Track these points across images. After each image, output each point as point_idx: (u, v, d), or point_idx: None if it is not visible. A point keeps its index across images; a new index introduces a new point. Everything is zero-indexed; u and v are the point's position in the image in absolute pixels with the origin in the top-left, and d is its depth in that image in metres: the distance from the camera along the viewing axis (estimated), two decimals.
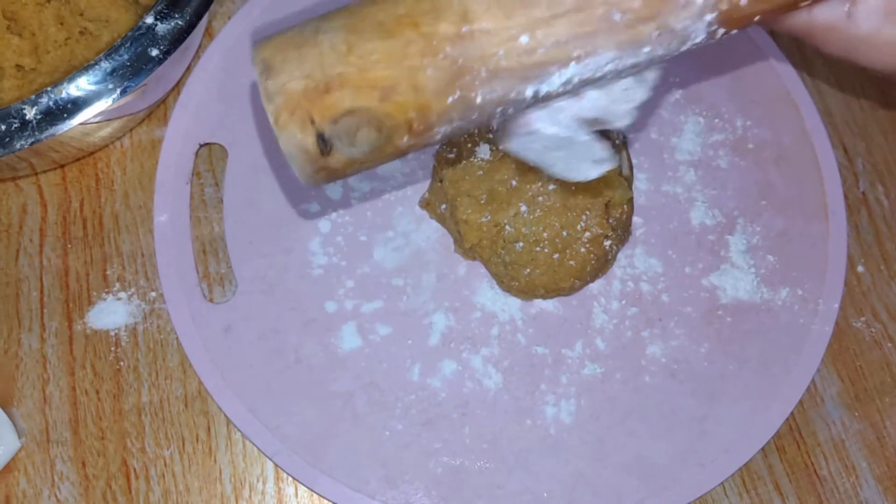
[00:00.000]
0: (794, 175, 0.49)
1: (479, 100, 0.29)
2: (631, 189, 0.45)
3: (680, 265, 0.47)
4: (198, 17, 0.40)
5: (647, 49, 0.29)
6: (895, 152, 0.52)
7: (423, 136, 0.29)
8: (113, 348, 0.44)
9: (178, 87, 0.48)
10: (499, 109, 0.29)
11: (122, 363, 0.44)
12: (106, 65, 0.39)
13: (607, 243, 0.44)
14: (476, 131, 0.44)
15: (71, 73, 0.42)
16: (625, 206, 0.45)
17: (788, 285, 0.47)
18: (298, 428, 0.42)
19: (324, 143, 0.28)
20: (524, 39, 0.28)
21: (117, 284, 0.45)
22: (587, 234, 0.43)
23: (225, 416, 0.43)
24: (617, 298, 0.46)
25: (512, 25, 0.28)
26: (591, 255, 0.43)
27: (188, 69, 0.48)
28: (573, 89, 0.30)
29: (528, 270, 0.43)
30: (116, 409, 0.43)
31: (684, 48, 0.30)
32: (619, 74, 0.30)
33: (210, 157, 0.48)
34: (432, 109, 0.28)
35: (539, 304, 0.45)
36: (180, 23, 0.40)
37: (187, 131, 0.47)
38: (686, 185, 0.48)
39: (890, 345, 0.47)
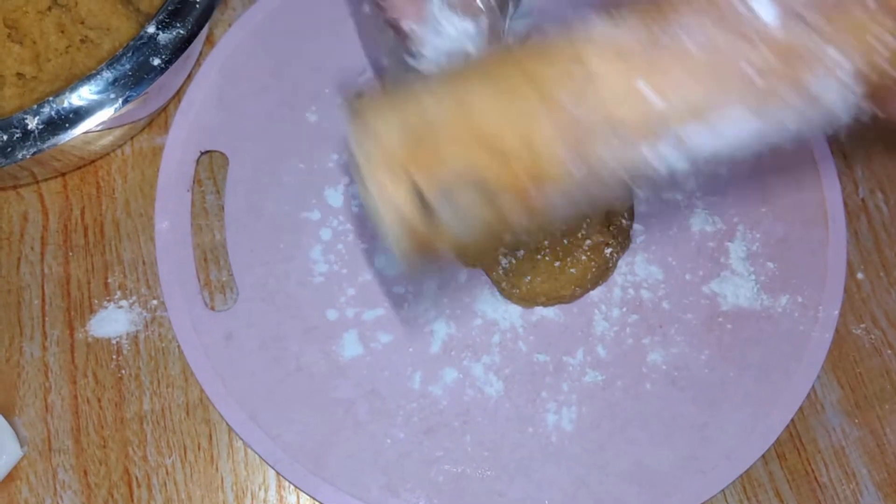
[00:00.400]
0: (794, 182, 0.49)
1: (599, 162, 0.25)
2: (631, 196, 0.45)
3: (680, 272, 0.47)
4: (199, 26, 0.40)
5: (780, 113, 0.25)
6: (894, 159, 0.52)
7: (533, 205, 0.26)
8: (114, 356, 0.44)
9: (178, 94, 0.49)
10: (620, 170, 0.26)
11: (123, 371, 0.44)
12: (108, 74, 0.39)
13: (608, 251, 0.44)
14: None
15: (72, 82, 0.42)
16: (625, 214, 0.45)
17: (788, 292, 0.47)
18: (300, 436, 0.42)
19: (423, 207, 0.25)
20: (649, 95, 0.25)
21: (118, 292, 0.45)
22: (588, 241, 0.43)
23: (226, 423, 0.43)
24: (617, 306, 0.46)
25: (635, 79, 0.25)
26: (592, 263, 0.43)
27: (189, 77, 0.48)
28: (699, 157, 0.26)
29: (529, 278, 0.43)
30: (118, 418, 0.43)
31: (826, 123, 0.26)
32: (749, 143, 0.26)
33: (211, 165, 0.48)
34: (547, 172, 0.25)
35: (540, 311, 0.45)
36: (182, 32, 0.40)
37: (188, 139, 0.47)
38: (686, 192, 0.49)
39: (889, 351, 0.47)
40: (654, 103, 0.25)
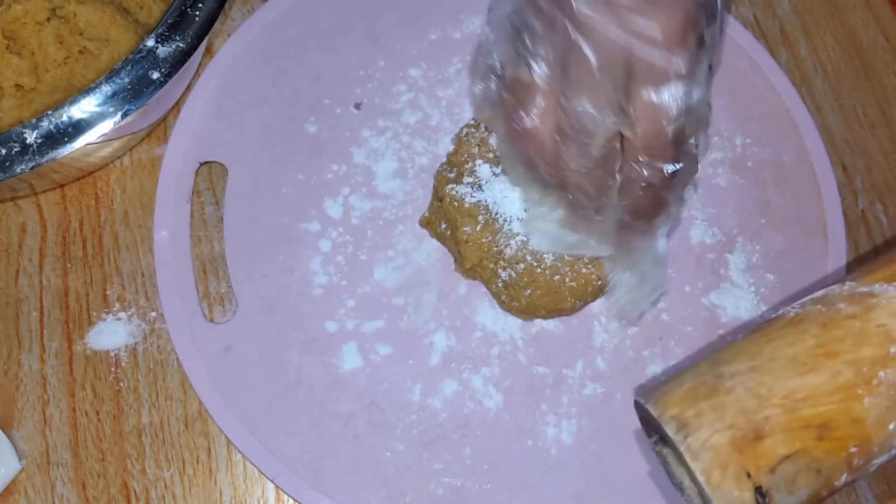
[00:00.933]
0: (794, 193, 0.49)
1: None
2: None
3: (680, 284, 0.47)
4: (199, 39, 0.40)
5: None
6: (894, 170, 0.52)
7: (860, 471, 0.27)
8: (113, 369, 0.44)
9: (177, 105, 0.48)
10: None
11: (122, 384, 0.44)
12: (107, 88, 0.39)
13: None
14: (476, 150, 0.44)
15: (70, 93, 0.42)
16: None
17: (788, 304, 0.47)
18: (299, 449, 0.42)
19: (762, 497, 0.26)
20: None
21: (117, 304, 0.45)
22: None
23: (225, 437, 0.43)
24: (617, 318, 0.46)
25: None
26: (593, 276, 0.43)
27: (188, 87, 0.48)
28: None
29: (529, 291, 0.43)
30: (117, 431, 0.43)
31: None
32: None
33: (210, 176, 0.48)
34: (873, 440, 0.26)
35: (540, 323, 0.45)
36: (181, 45, 0.40)
37: (187, 150, 0.47)
38: (686, 204, 0.48)
39: None
40: None
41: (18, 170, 0.37)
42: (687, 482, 0.28)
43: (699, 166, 0.40)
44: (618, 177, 0.36)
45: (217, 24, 0.50)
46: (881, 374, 0.26)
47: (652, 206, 0.37)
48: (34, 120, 0.38)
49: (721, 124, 0.50)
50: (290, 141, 0.48)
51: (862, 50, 0.56)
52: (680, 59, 0.33)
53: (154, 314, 0.45)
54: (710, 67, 0.37)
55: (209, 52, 0.50)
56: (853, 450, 0.26)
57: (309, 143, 0.48)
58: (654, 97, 0.34)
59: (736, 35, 0.53)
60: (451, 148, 0.47)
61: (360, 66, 0.50)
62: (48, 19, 0.43)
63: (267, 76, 0.49)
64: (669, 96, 0.34)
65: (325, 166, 0.48)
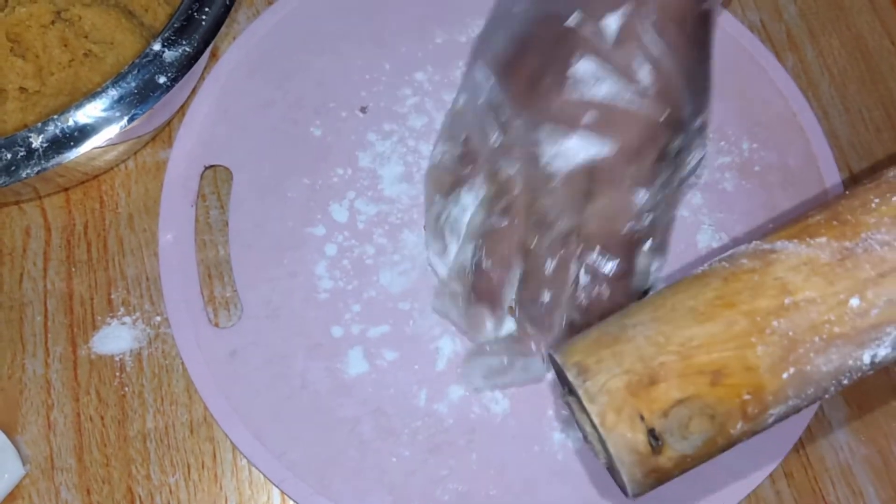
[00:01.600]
0: (801, 197, 0.49)
1: (814, 372, 0.27)
2: None
3: None
4: (205, 44, 0.40)
5: None
6: None
7: (756, 421, 0.28)
8: (118, 374, 0.44)
9: (182, 108, 0.48)
10: (835, 381, 0.28)
11: (126, 389, 0.44)
12: (113, 92, 0.38)
13: None
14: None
15: (75, 96, 0.42)
16: None
17: None
18: (305, 454, 0.42)
19: (655, 440, 0.27)
20: (854, 302, 0.27)
21: (122, 308, 0.45)
22: None
23: (231, 442, 0.42)
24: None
25: (838, 290, 0.27)
26: None
27: (193, 91, 0.48)
28: None
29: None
30: (121, 436, 0.43)
31: None
32: None
33: (215, 180, 0.48)
34: (766, 388, 0.27)
35: None
36: (188, 50, 0.40)
37: (192, 153, 0.47)
38: (692, 208, 0.48)
39: None
40: (865, 313, 0.27)
41: (24, 174, 0.37)
42: (589, 428, 0.29)
43: (665, 257, 0.43)
44: (573, 272, 0.39)
45: (222, 28, 0.50)
46: (775, 323, 0.27)
47: (603, 303, 0.39)
48: (40, 124, 0.38)
49: (728, 129, 0.50)
50: (295, 145, 0.48)
51: (868, 53, 0.55)
52: (636, 169, 0.37)
53: (159, 318, 0.45)
54: (704, 125, 0.40)
55: (214, 55, 0.50)
56: (747, 397, 0.27)
57: (314, 147, 0.48)
58: (610, 201, 0.37)
59: (742, 39, 0.52)
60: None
61: (365, 70, 0.50)
62: (53, 22, 0.43)
63: (272, 80, 0.49)
64: (624, 201, 0.38)
65: (330, 170, 0.48)
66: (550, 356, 0.31)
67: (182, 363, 0.44)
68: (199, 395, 0.43)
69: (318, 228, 0.46)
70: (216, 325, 0.45)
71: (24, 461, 0.42)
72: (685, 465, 0.28)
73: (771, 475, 0.44)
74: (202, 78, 0.49)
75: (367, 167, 0.48)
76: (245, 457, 0.42)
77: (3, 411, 0.43)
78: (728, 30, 0.52)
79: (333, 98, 0.49)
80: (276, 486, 0.42)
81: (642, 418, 0.27)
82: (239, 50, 0.49)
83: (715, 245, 0.48)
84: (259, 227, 0.46)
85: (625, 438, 0.27)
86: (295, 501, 0.42)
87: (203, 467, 0.43)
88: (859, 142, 0.53)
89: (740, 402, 0.27)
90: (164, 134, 0.49)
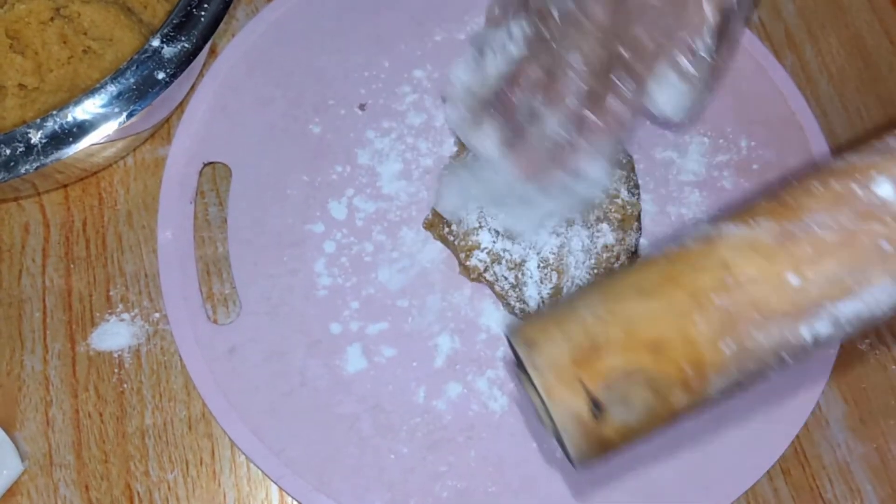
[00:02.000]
0: None
1: (755, 346, 0.28)
2: (639, 207, 0.45)
3: None
4: (204, 40, 0.40)
5: None
6: None
7: (698, 393, 0.29)
8: (116, 370, 0.44)
9: (181, 105, 0.48)
10: (775, 356, 0.29)
11: (125, 385, 0.44)
12: (112, 88, 0.39)
13: (616, 265, 0.44)
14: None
15: (74, 93, 0.42)
16: (634, 224, 0.45)
17: None
18: (303, 451, 0.42)
19: (597, 409, 0.28)
20: (793, 280, 0.28)
21: (120, 305, 0.45)
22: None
23: (229, 438, 0.42)
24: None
25: (778, 269, 0.28)
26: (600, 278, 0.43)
27: (192, 88, 0.48)
28: (852, 326, 0.29)
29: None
30: (120, 432, 0.43)
31: None
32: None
33: (214, 177, 0.48)
34: (706, 361, 0.28)
35: None
36: (187, 46, 0.40)
37: (191, 150, 0.47)
38: (691, 206, 0.48)
39: (894, 367, 0.47)
40: (804, 290, 0.28)
41: (23, 170, 0.37)
42: (537, 401, 0.30)
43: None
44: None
45: (221, 25, 0.50)
46: (715, 299, 0.28)
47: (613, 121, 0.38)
48: (39, 120, 0.38)
49: (726, 127, 0.50)
50: (294, 142, 0.48)
51: (866, 52, 0.56)
52: None
53: (157, 315, 0.45)
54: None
55: (213, 52, 0.50)
56: (687, 369, 0.28)
57: (313, 144, 0.48)
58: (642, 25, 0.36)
59: (741, 38, 0.52)
60: (454, 149, 0.47)
61: (364, 68, 0.50)
62: (52, 19, 0.43)
63: (271, 77, 0.49)
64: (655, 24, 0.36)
65: (329, 167, 0.48)
66: (507, 337, 0.32)
67: (181, 360, 0.44)
68: (198, 392, 0.43)
69: (316, 225, 0.46)
70: (215, 321, 0.45)
71: (22, 457, 0.42)
72: (628, 435, 0.29)
73: (769, 472, 0.44)
74: (201, 75, 0.49)
75: (365, 164, 0.48)
76: (243, 453, 0.42)
77: (2, 408, 0.43)
78: None
79: (332, 95, 0.49)
80: (275, 483, 0.42)
81: (586, 389, 0.28)
82: (238, 47, 0.49)
83: None
84: (258, 223, 0.46)
85: (569, 408, 0.28)
86: (293, 498, 0.42)
87: (201, 464, 0.43)
88: (858, 140, 0.53)
89: (681, 374, 0.28)
90: (162, 131, 0.49)
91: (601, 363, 0.28)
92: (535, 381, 0.28)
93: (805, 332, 0.28)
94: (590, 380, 0.28)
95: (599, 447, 0.29)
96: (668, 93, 0.38)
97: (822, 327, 0.28)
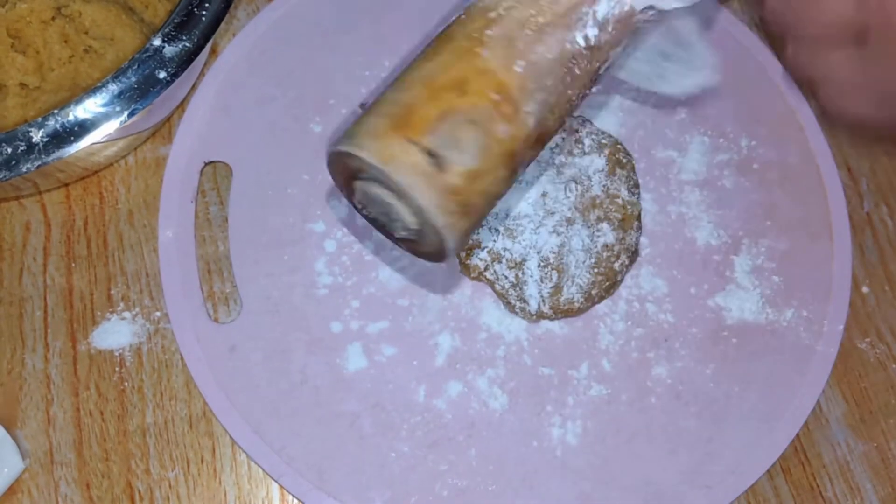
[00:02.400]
0: (799, 195, 0.49)
1: (541, 60, 0.30)
2: (639, 206, 0.45)
3: (685, 286, 0.47)
4: (205, 39, 0.40)
5: None
6: None
7: (516, 120, 0.30)
8: (117, 368, 0.44)
9: (182, 105, 0.48)
10: (566, 68, 0.31)
11: (126, 384, 0.44)
12: (113, 87, 0.39)
13: (616, 264, 0.44)
14: None
15: (75, 92, 0.42)
16: (634, 223, 0.45)
17: (793, 306, 0.47)
18: (304, 449, 0.42)
19: (433, 157, 0.29)
20: None
21: (122, 304, 0.45)
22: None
23: (230, 437, 0.43)
24: (623, 319, 0.46)
25: None
26: (600, 277, 0.43)
27: (193, 87, 0.48)
28: (618, 27, 0.32)
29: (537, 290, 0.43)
30: (121, 430, 0.43)
31: None
32: None
33: (215, 176, 0.48)
34: (507, 84, 0.30)
35: (545, 324, 0.45)
36: (188, 45, 0.40)
37: (192, 149, 0.47)
38: (691, 205, 0.48)
39: (894, 366, 0.47)
40: (558, 2, 0.31)
41: (24, 169, 0.37)
42: (376, 189, 0.30)
43: None
44: None
45: (222, 24, 0.50)
46: (489, 32, 0.30)
47: None
48: (40, 119, 0.38)
49: (727, 126, 0.50)
50: (295, 141, 0.48)
51: None
52: None
53: (158, 314, 0.45)
54: None
55: (214, 51, 0.50)
56: (495, 97, 0.30)
57: (314, 143, 0.48)
58: None
59: (741, 37, 0.53)
60: None
61: (365, 66, 0.50)
62: (53, 18, 0.43)
63: (272, 76, 0.49)
64: None
65: None
66: (330, 159, 0.32)
67: (181, 358, 0.44)
68: (199, 390, 0.43)
69: (317, 224, 0.46)
70: (216, 320, 0.45)
71: (23, 456, 0.42)
72: (474, 178, 0.30)
73: (769, 471, 0.44)
74: (202, 74, 0.49)
75: None
76: (244, 451, 0.42)
77: (3, 406, 0.43)
78: (726, 27, 0.53)
79: (333, 95, 0.49)
80: (276, 481, 0.42)
81: (413, 143, 0.29)
82: (239, 46, 0.49)
83: (713, 242, 0.48)
84: (258, 222, 0.46)
85: (405, 163, 0.29)
86: (294, 496, 0.42)
87: (202, 462, 0.43)
88: (858, 139, 0.53)
89: (491, 102, 0.29)
90: (163, 130, 0.49)
91: (416, 117, 0.29)
92: (365, 157, 0.29)
93: (579, 38, 0.31)
94: (414, 134, 0.29)
95: (453, 198, 0.29)
96: (677, 71, 0.39)
97: (591, 30, 0.31)
